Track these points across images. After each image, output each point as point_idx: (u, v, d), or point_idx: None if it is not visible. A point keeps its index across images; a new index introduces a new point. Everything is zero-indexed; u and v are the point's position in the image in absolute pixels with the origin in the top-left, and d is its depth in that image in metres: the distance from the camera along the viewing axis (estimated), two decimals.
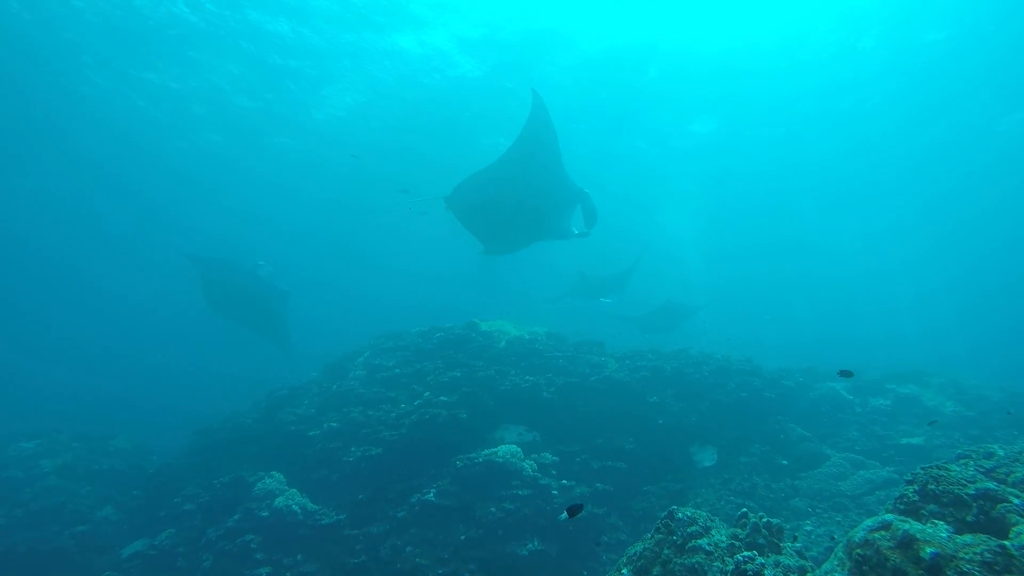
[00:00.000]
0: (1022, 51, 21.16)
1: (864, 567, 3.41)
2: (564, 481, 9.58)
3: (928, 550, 3.21)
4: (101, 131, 25.88)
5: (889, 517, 3.67)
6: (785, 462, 10.46)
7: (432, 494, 9.24)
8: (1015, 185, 30.93)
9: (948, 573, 3.07)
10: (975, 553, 3.10)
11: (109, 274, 44.83)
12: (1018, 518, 3.76)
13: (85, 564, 10.42)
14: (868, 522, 3.73)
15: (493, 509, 8.86)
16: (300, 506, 9.47)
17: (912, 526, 3.42)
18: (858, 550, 3.51)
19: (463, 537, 8.66)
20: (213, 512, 10.18)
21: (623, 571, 5.83)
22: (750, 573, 4.52)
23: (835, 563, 3.80)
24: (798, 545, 5.63)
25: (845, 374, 7.34)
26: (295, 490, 9.78)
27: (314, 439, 11.27)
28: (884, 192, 33.78)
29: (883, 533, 3.48)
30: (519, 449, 9.70)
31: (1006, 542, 3.20)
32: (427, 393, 11.65)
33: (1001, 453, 5.41)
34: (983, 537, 3.25)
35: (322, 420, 11.72)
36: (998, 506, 3.96)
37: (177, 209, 35.69)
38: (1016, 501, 4.02)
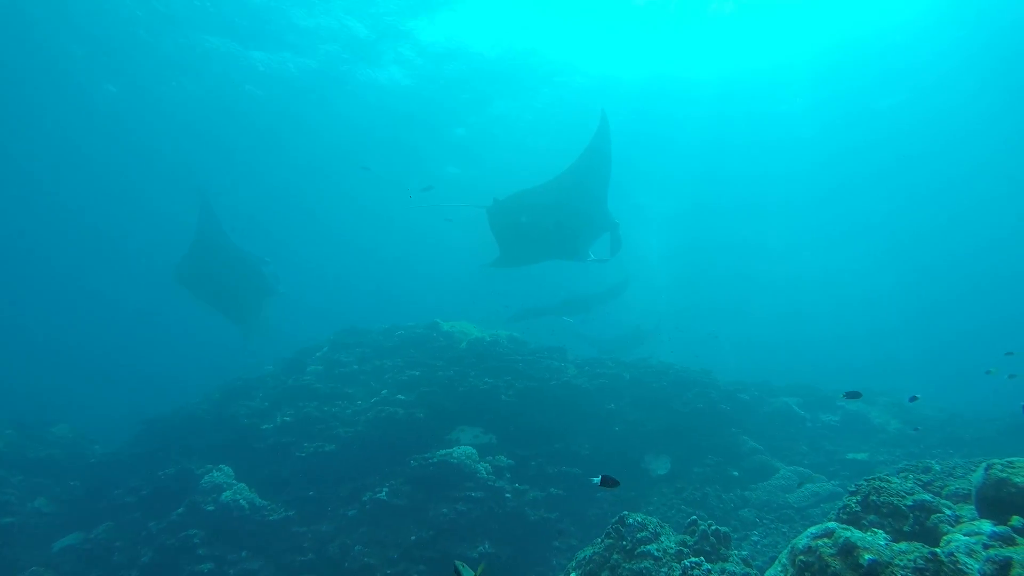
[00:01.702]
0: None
1: (806, 573, 3.50)
2: (518, 485, 9.56)
3: (867, 557, 3.30)
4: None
5: (832, 525, 3.77)
6: (736, 473, 10.66)
7: (384, 493, 9.11)
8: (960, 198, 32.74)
9: None
10: (909, 560, 3.21)
11: (57, 256, 43.14)
12: (949, 527, 3.92)
13: (10, 559, 9.80)
14: (812, 530, 3.82)
15: (445, 510, 8.80)
16: (248, 501, 9.22)
17: (853, 534, 3.52)
18: (801, 556, 3.60)
19: (414, 538, 8.56)
20: (156, 505, 9.83)
21: (572, 575, 5.84)
22: None
23: (779, 569, 3.88)
24: (744, 553, 5.74)
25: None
26: (243, 484, 9.52)
27: (266, 433, 11.03)
28: (839, 204, 35.30)
29: (825, 540, 3.57)
30: (475, 451, 9.66)
31: (937, 549, 3.32)
32: (385, 391, 11.53)
33: (937, 468, 5.62)
34: (917, 545, 3.36)
35: (276, 414, 11.48)
36: (932, 516, 4.12)
37: (148, 196, 34.61)
38: (948, 512, 4.20)
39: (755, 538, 8.94)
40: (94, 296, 48.38)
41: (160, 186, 33.39)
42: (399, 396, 11.22)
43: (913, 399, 8.94)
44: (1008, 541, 3.24)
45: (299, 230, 42.04)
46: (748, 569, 5.23)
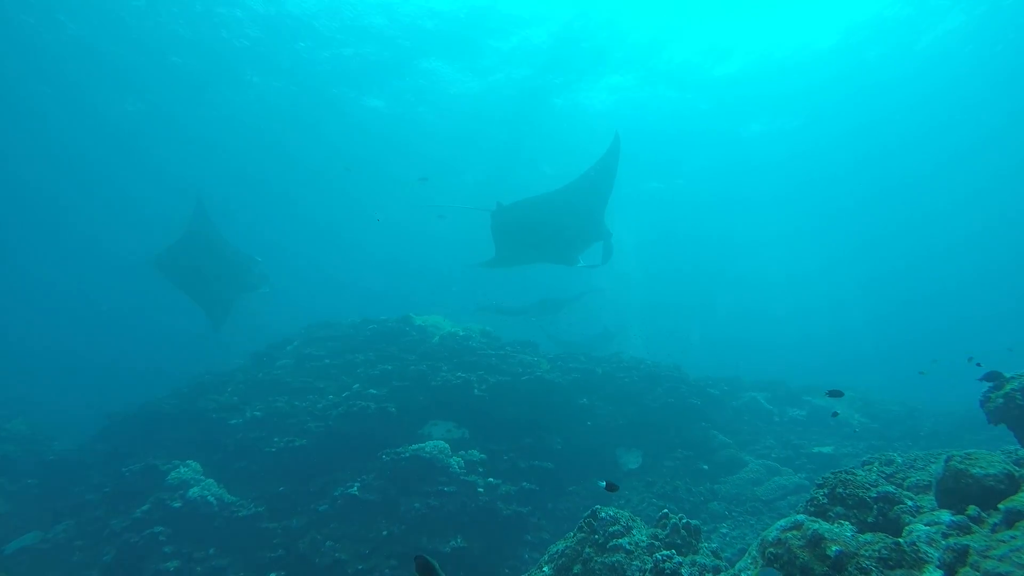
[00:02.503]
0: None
1: (775, 564, 3.57)
2: (491, 479, 9.56)
3: (834, 548, 3.39)
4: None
5: (801, 517, 3.85)
6: (706, 467, 10.84)
7: (356, 488, 9.04)
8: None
9: (850, 569, 3.26)
10: (874, 550, 3.31)
11: (16, 247, 41.70)
12: (910, 518, 4.05)
13: None
14: (781, 522, 3.90)
15: (417, 505, 8.76)
16: (216, 497, 9.06)
17: (821, 526, 3.61)
18: (771, 548, 3.67)
19: (385, 532, 8.51)
20: (119, 502, 9.57)
21: (544, 569, 5.86)
22: (667, 571, 4.63)
23: (749, 561, 3.95)
24: (714, 545, 5.84)
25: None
26: (212, 480, 9.35)
27: (235, 428, 10.83)
28: (804, 202, 36.18)
29: (794, 532, 3.65)
30: (447, 445, 9.63)
31: (900, 539, 3.43)
32: (356, 385, 11.42)
33: (899, 460, 5.78)
34: (881, 535, 3.47)
35: (245, 408, 11.29)
36: (895, 507, 4.24)
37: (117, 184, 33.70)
38: (910, 503, 4.33)
39: (724, 530, 9.11)
40: (55, 287, 46.93)
41: (128, 177, 32.56)
42: (371, 390, 11.13)
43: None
44: (965, 530, 3.36)
45: (272, 221, 41.42)
46: (718, 561, 5.32)
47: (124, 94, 24.48)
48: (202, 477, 9.40)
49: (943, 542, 3.23)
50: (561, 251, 12.23)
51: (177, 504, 8.96)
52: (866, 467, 5.54)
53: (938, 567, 3.07)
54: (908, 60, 22.19)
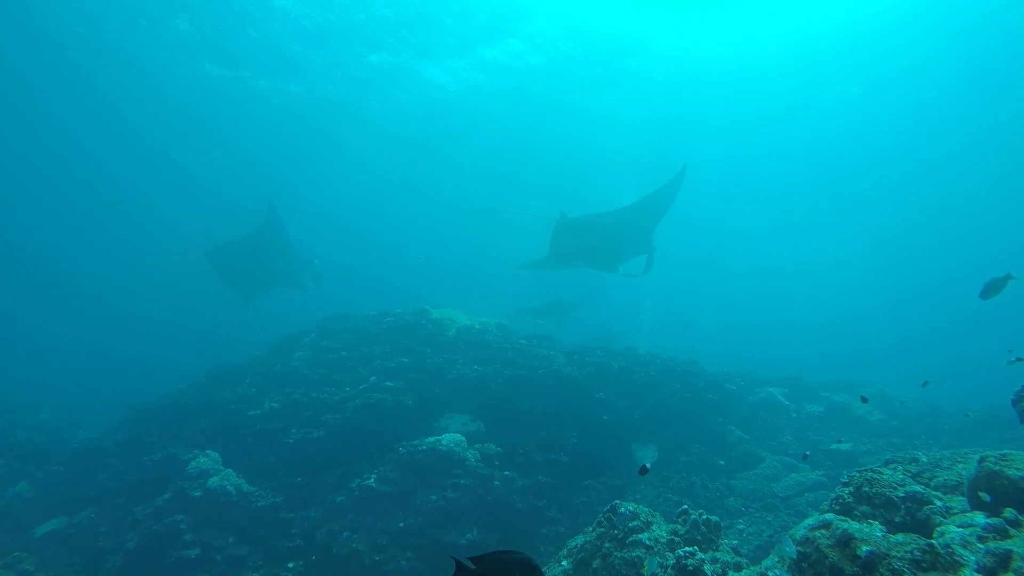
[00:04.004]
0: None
1: (803, 564, 3.53)
2: (507, 472, 9.59)
3: (864, 548, 3.34)
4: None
5: (829, 516, 3.80)
6: (722, 462, 10.77)
7: (373, 480, 9.09)
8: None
9: (881, 570, 3.21)
10: (906, 551, 3.26)
11: (38, 245, 42.33)
12: (941, 519, 3.98)
13: None
14: (809, 521, 3.86)
15: (434, 497, 8.80)
16: (235, 487, 9.14)
17: (851, 525, 3.56)
18: (799, 547, 3.63)
19: (402, 524, 8.56)
20: (141, 490, 9.69)
21: (563, 563, 5.85)
22: (690, 568, 4.61)
23: (775, 559, 3.91)
24: (734, 542, 5.81)
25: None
26: (231, 470, 9.44)
27: (253, 419, 10.91)
28: (817, 193, 35.75)
29: (823, 532, 3.61)
30: (463, 438, 9.66)
31: (933, 541, 3.37)
32: (373, 378, 11.46)
33: (924, 459, 5.70)
34: (913, 536, 3.41)
35: (263, 400, 11.37)
36: (924, 508, 4.17)
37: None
38: (939, 503, 4.26)
39: (741, 526, 9.05)
40: (77, 283, 47.65)
41: (142, 177, 32.96)
42: (387, 383, 11.17)
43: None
44: (1002, 533, 3.29)
45: (288, 213, 41.72)
46: (739, 558, 5.28)
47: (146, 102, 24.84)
48: (221, 467, 9.49)
49: (980, 546, 3.16)
50: (609, 260, 12.96)
51: (197, 493, 9.05)
52: (891, 465, 5.47)
53: (976, 571, 3.01)
54: (929, 42, 21.70)
